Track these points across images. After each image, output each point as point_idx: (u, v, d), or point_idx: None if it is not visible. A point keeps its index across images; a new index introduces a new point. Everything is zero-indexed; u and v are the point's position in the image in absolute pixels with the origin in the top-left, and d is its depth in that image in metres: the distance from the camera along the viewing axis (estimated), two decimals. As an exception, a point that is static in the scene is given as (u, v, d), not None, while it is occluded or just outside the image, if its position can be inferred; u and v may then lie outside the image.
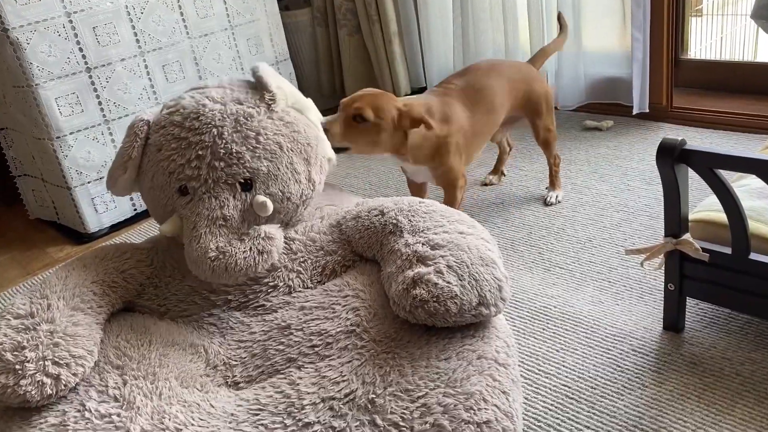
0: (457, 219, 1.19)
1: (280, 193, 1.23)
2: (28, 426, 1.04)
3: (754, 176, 1.33)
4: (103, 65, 2.13)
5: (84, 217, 2.19)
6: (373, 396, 0.98)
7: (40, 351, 1.07)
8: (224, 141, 1.21)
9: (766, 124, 2.10)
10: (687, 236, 1.26)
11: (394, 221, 1.21)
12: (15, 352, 1.06)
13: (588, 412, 1.22)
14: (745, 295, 1.24)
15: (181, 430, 1.01)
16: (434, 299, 1.02)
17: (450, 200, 1.74)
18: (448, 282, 1.04)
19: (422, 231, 1.16)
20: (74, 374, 1.07)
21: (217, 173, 1.21)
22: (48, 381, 1.05)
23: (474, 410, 0.93)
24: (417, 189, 1.85)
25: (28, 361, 1.05)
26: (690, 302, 1.40)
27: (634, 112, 2.32)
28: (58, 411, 1.05)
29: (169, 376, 1.10)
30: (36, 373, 1.04)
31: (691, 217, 1.31)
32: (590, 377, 1.30)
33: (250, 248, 1.18)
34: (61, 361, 1.07)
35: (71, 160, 2.11)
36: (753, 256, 1.21)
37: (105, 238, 2.21)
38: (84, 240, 2.23)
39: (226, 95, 1.27)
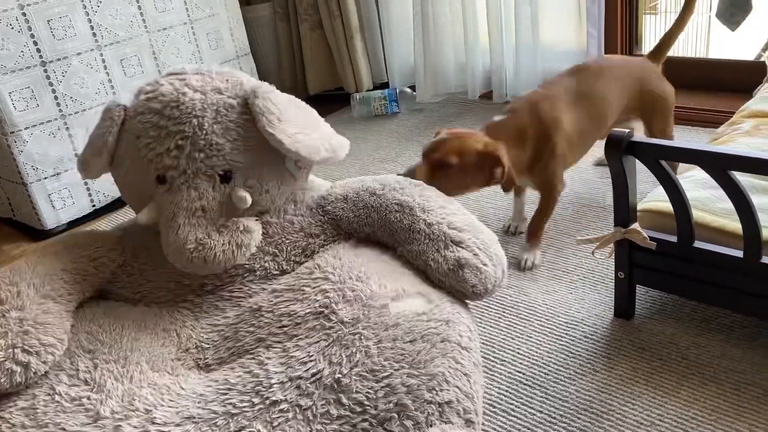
0: (440, 195, 1.30)
1: (258, 185, 1.24)
2: None
3: (699, 168, 1.38)
4: (59, 59, 2.10)
5: (41, 214, 2.15)
6: (339, 376, 1.01)
7: (9, 339, 1.08)
8: (204, 132, 1.21)
9: (714, 119, 2.16)
10: (635, 225, 1.30)
11: (396, 201, 1.26)
12: None
13: (541, 396, 1.25)
14: (691, 281, 1.29)
15: (150, 410, 1.02)
16: (481, 283, 1.15)
17: (545, 205, 1.68)
18: (485, 264, 1.16)
19: (432, 210, 1.24)
20: (44, 362, 1.08)
21: (196, 164, 1.20)
22: (18, 369, 1.06)
23: (436, 391, 0.97)
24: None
25: None
26: (640, 290, 1.45)
27: (590, 106, 2.36)
28: (28, 395, 1.07)
29: (140, 360, 1.12)
30: (5, 360, 1.05)
31: (639, 207, 1.35)
32: (544, 363, 1.33)
33: (229, 241, 1.19)
34: (31, 349, 1.08)
35: (27, 156, 2.08)
36: (697, 244, 1.26)
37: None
38: (41, 237, 2.20)
39: (206, 83, 1.25)
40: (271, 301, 1.18)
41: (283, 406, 0.99)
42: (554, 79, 1.75)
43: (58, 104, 2.12)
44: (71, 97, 2.14)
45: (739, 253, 1.20)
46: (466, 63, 2.67)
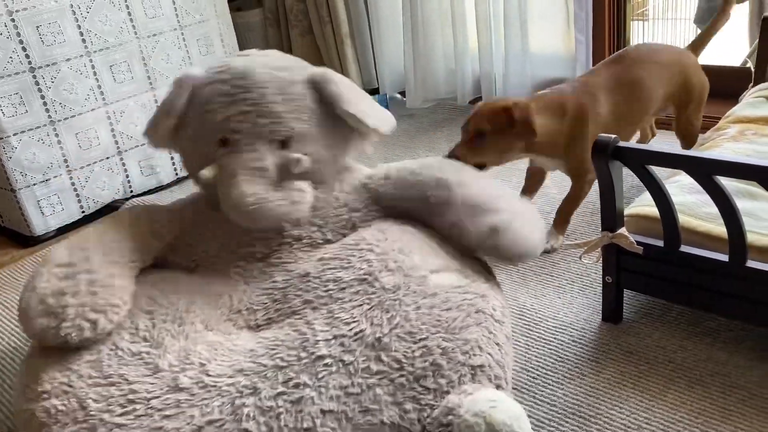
0: (465, 170, 1.39)
1: (312, 155, 1.35)
2: (65, 362, 1.15)
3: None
4: (48, 65, 2.10)
5: (30, 220, 2.15)
6: (380, 335, 1.10)
7: (80, 298, 1.18)
8: (268, 101, 1.34)
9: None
10: (622, 230, 1.32)
11: (434, 178, 1.34)
12: (57, 297, 1.17)
13: (530, 401, 1.26)
14: (678, 286, 1.30)
15: (204, 364, 1.12)
16: (516, 246, 1.24)
17: (576, 192, 1.72)
18: (522, 228, 1.26)
19: (469, 185, 1.33)
20: (110, 321, 1.19)
21: (258, 129, 1.32)
22: (87, 325, 1.16)
23: (469, 354, 1.07)
24: (537, 173, 1.84)
25: (69, 306, 1.16)
26: (627, 294, 1.46)
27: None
28: (94, 350, 1.17)
29: (195, 320, 1.22)
30: (76, 318, 1.16)
31: (626, 211, 1.36)
32: (532, 368, 1.34)
33: (284, 197, 1.29)
34: (99, 309, 1.18)
35: (15, 162, 2.07)
36: (684, 248, 1.27)
37: (52, 241, 2.17)
38: (30, 243, 2.19)
39: (272, 62, 1.40)
40: (318, 267, 1.27)
41: (328, 360, 1.09)
42: (599, 66, 1.80)
43: (47, 110, 2.12)
44: (60, 103, 2.14)
45: (725, 257, 1.21)
46: (455, 69, 2.68)
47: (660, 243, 1.29)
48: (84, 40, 2.17)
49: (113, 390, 1.11)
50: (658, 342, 1.35)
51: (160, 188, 2.46)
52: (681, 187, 1.41)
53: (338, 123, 1.40)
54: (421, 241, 1.30)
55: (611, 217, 1.31)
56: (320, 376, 1.07)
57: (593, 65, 2.33)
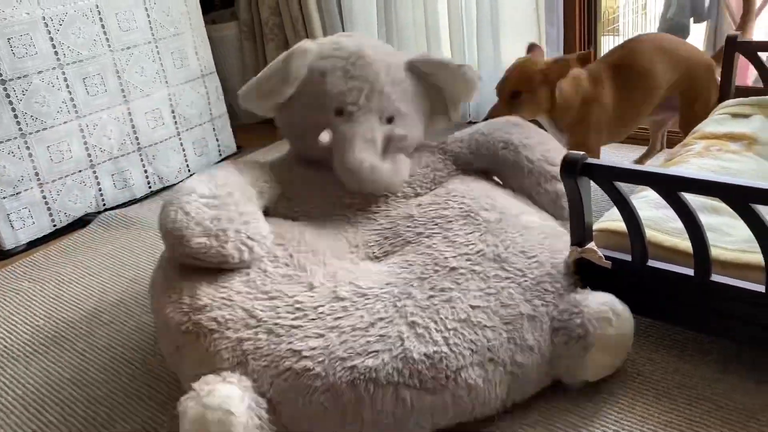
0: (529, 132, 1.62)
1: (408, 132, 1.56)
2: (217, 282, 1.27)
3: (652, 188, 1.42)
4: (19, 77, 2.08)
5: (-1, 234, 2.12)
6: (499, 252, 1.33)
7: (235, 224, 1.31)
8: (380, 81, 1.54)
9: (671, 139, 2.22)
10: (591, 245, 1.34)
11: (502, 139, 1.59)
12: (214, 222, 1.30)
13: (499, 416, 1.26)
14: (645, 299, 1.33)
15: (352, 282, 1.28)
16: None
17: None
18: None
19: (532, 146, 1.57)
20: (262, 249, 1.34)
21: (371, 104, 1.52)
22: (245, 249, 1.30)
23: (569, 269, 1.32)
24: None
25: (228, 230, 1.30)
26: (597, 307, 1.47)
27: (549, 128, 2.42)
28: (242, 273, 1.30)
29: (326, 251, 1.38)
30: (236, 241, 1.29)
31: (595, 226, 1.38)
32: (504, 381, 1.35)
33: (392, 167, 1.49)
34: (254, 237, 1.33)
35: (-15, 175, 2.05)
36: (651, 263, 1.29)
37: (22, 255, 2.14)
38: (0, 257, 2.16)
39: (377, 47, 1.62)
40: (420, 210, 1.48)
41: (462, 270, 1.29)
42: (606, 53, 1.91)
43: (18, 123, 2.10)
44: (31, 116, 2.12)
45: (690, 272, 1.24)
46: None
47: (628, 257, 1.31)
48: (56, 53, 2.16)
49: (277, 302, 1.24)
50: (627, 354, 1.37)
51: (134, 201, 2.45)
52: (648, 202, 1.43)
53: (426, 106, 1.64)
54: (499, 191, 1.54)
55: (580, 232, 1.33)
56: (459, 282, 1.27)
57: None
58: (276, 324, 1.21)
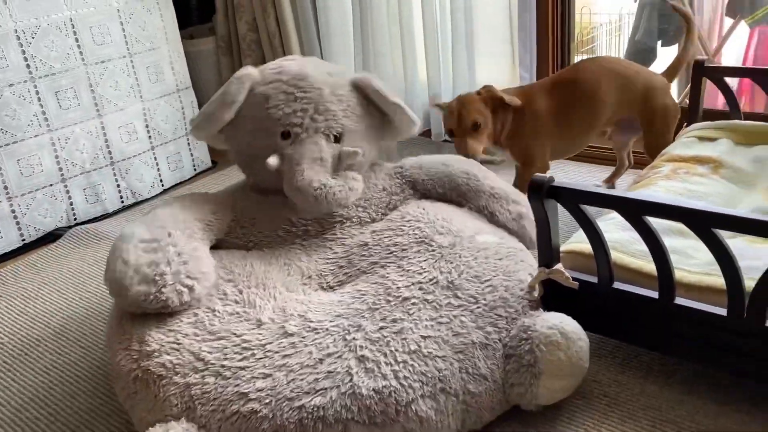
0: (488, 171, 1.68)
1: (359, 148, 1.54)
2: (164, 325, 1.27)
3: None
4: (-10, 90, 2.06)
5: (-35, 248, 2.09)
6: (452, 279, 1.33)
7: (173, 266, 1.30)
8: (324, 100, 1.53)
9: (641, 160, 2.25)
10: (559, 266, 1.35)
11: (463, 169, 1.64)
12: (151, 267, 1.28)
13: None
14: (612, 321, 1.34)
15: (303, 315, 1.28)
16: (533, 231, 1.43)
17: (523, 180, 1.88)
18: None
19: (492, 178, 1.64)
20: (203, 287, 1.32)
21: (317, 124, 1.51)
22: (185, 290, 1.28)
23: (524, 290, 1.33)
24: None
25: (165, 274, 1.28)
26: (565, 328, 1.48)
27: (523, 147, 2.44)
28: (190, 314, 1.29)
29: (276, 284, 1.38)
30: (174, 283, 1.28)
31: (562, 248, 1.40)
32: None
33: (343, 184, 1.48)
34: (193, 276, 1.31)
35: (-48, 188, 2.02)
36: (617, 285, 1.31)
37: (-11, 270, 2.11)
38: (-35, 272, 2.12)
39: (319, 67, 1.61)
40: (375, 237, 1.48)
41: (413, 300, 1.29)
42: (562, 69, 2.04)
43: (-12, 136, 2.07)
44: (1, 129, 2.10)
45: (655, 294, 1.25)
46: (405, 101, 2.70)
47: (594, 279, 1.33)
48: (29, 66, 2.14)
49: (224, 342, 1.23)
50: (593, 376, 1.38)
51: (106, 216, 2.42)
52: (615, 224, 1.45)
53: (375, 122, 1.63)
54: (456, 212, 1.56)
55: (548, 253, 1.34)
56: (411, 312, 1.27)
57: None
58: (223, 366, 1.19)
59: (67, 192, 2.31)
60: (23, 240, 2.22)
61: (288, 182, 1.47)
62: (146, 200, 2.53)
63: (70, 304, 1.86)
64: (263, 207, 1.57)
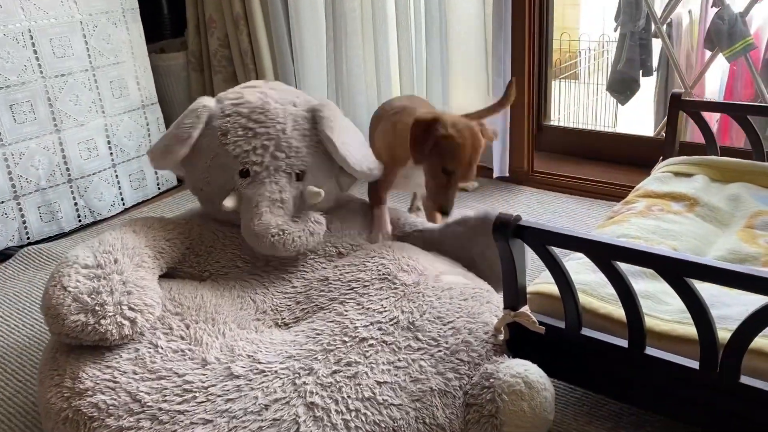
0: None
1: (323, 186, 1.48)
2: (102, 360, 1.18)
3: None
4: (-62, 102, 1.95)
5: None
6: (413, 320, 1.26)
7: (116, 296, 1.21)
8: (287, 136, 1.45)
9: (617, 192, 2.21)
10: (525, 309, 1.27)
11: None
12: (92, 296, 1.20)
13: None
14: (579, 368, 1.27)
15: (252, 355, 1.20)
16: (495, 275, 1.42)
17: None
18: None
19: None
20: (146, 320, 1.23)
21: (278, 162, 1.43)
22: (126, 323, 1.20)
23: (489, 333, 1.26)
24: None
25: (106, 304, 1.19)
26: (532, 372, 1.41)
27: (495, 176, 2.39)
28: (131, 349, 1.20)
29: (227, 320, 1.29)
30: (115, 315, 1.19)
31: (529, 289, 1.32)
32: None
33: (303, 229, 1.40)
34: (136, 307, 1.22)
35: None
36: (585, 331, 1.23)
37: (-70, 291, 1.99)
38: None
39: (283, 97, 1.50)
40: (337, 272, 1.40)
41: (371, 342, 1.22)
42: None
43: (-66, 150, 1.96)
44: (-51, 143, 1.99)
45: (625, 343, 1.18)
46: (379, 124, 2.65)
47: (562, 324, 1.25)
48: (-19, 77, 2.04)
49: (165, 383, 1.14)
50: (559, 426, 1.30)
51: (61, 235, 2.31)
52: (584, 264, 1.38)
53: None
54: (422, 252, 1.48)
55: (513, 295, 1.27)
56: (368, 354, 1.19)
57: (509, 128, 2.34)
58: (160, 409, 1.11)
59: (20, 210, 2.21)
60: (-26, 258, 2.11)
61: (245, 226, 1.40)
62: (105, 219, 2.43)
63: (11, 330, 1.75)
64: (222, 236, 1.49)
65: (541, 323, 1.26)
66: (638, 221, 1.56)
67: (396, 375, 1.17)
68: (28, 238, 2.24)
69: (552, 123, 2.86)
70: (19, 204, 2.20)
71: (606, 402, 1.35)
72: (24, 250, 2.17)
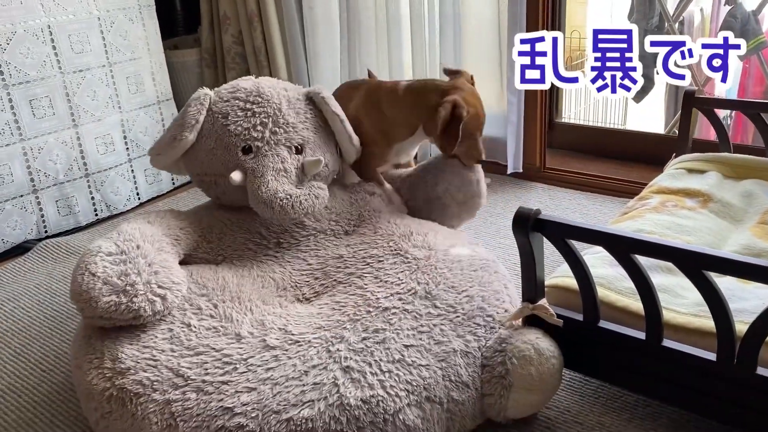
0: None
1: (322, 157, 1.54)
2: (139, 343, 1.23)
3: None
4: (-40, 97, 1.98)
5: (-73, 260, 2.00)
6: (430, 290, 1.34)
7: (144, 276, 1.26)
8: (282, 113, 1.53)
9: (629, 188, 2.22)
10: (543, 301, 1.29)
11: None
12: (121, 278, 1.24)
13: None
14: (596, 361, 1.29)
15: (283, 328, 1.26)
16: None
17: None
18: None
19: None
20: (175, 296, 1.29)
21: (277, 137, 1.50)
22: (157, 299, 1.25)
23: (500, 300, 1.36)
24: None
25: (136, 284, 1.24)
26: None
27: (508, 172, 2.40)
28: (164, 329, 1.25)
29: (252, 297, 1.35)
30: (146, 293, 1.24)
31: (547, 282, 1.34)
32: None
33: (308, 193, 1.47)
34: (164, 285, 1.27)
35: None
36: (602, 323, 1.25)
37: (-49, 283, 2.02)
38: (-74, 284, 2.03)
39: (274, 84, 1.59)
40: (350, 250, 1.48)
41: (394, 310, 1.29)
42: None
43: (-45, 144, 1.99)
44: (-29, 137, 2.02)
45: (642, 335, 1.20)
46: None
47: (579, 317, 1.27)
48: (2, 72, 2.07)
49: (204, 357, 1.19)
50: (576, 417, 1.32)
51: (78, 229, 2.34)
52: (602, 259, 1.40)
53: (334, 135, 1.62)
54: (425, 225, 1.57)
55: (532, 288, 1.29)
56: (392, 321, 1.26)
57: (525, 126, 2.36)
58: (204, 381, 1.16)
59: (39, 203, 2.23)
60: (-11, 252, 2.14)
61: (253, 195, 1.45)
62: (121, 213, 2.46)
63: (33, 322, 1.78)
64: (229, 222, 1.54)
65: (558, 316, 1.28)
66: (653, 217, 1.58)
67: (420, 339, 1.24)
68: (46, 231, 2.27)
69: (564, 120, 2.87)
70: (37, 198, 2.22)
71: (622, 393, 1.37)
72: (42, 244, 2.20)
